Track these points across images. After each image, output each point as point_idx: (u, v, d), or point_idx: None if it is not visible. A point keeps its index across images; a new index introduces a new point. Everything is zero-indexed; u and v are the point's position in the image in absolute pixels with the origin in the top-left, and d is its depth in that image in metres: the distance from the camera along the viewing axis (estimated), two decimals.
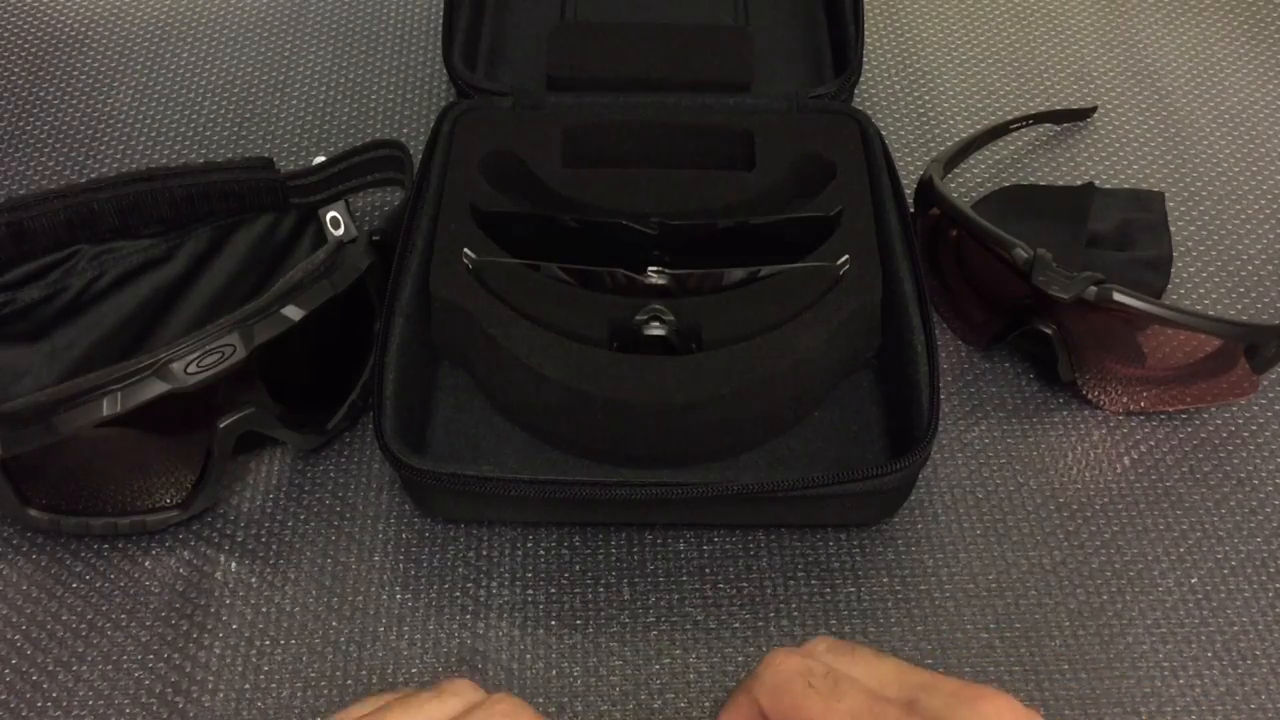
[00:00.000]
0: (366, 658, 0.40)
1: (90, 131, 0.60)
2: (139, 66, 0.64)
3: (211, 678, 0.40)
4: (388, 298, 0.44)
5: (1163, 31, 0.67)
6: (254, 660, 0.40)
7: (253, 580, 0.42)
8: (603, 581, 0.42)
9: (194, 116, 0.61)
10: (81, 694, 0.39)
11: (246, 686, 0.40)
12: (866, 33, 0.59)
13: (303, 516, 0.44)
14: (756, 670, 0.33)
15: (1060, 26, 0.67)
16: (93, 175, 0.58)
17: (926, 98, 0.62)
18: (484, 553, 0.43)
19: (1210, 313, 0.50)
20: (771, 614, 0.41)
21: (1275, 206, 0.57)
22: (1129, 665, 0.40)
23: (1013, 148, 0.59)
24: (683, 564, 0.43)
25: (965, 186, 0.57)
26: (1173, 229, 0.55)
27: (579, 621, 0.41)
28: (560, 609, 0.42)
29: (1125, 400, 0.47)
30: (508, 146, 0.50)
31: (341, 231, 0.51)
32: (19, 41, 0.65)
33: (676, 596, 0.42)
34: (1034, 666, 0.40)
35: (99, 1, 0.68)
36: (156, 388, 0.37)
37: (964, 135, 0.58)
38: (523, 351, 0.42)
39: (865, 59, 0.59)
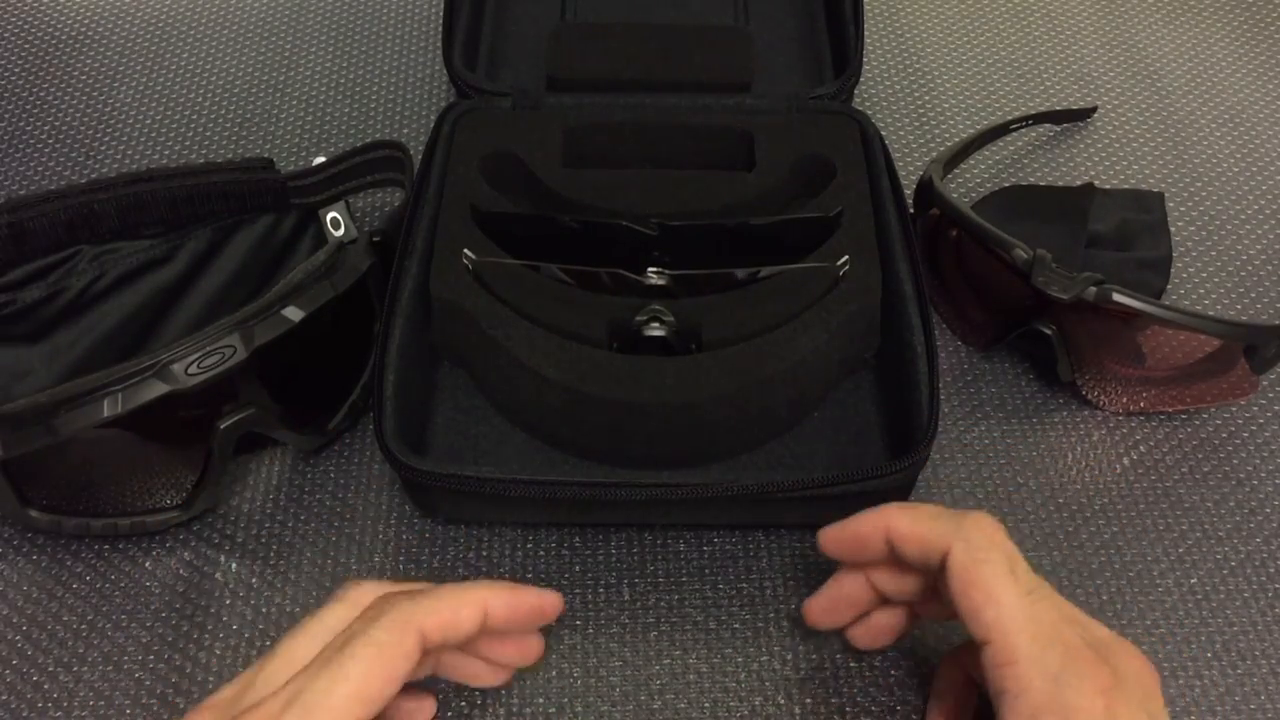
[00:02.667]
0: None
1: (90, 132, 0.60)
2: (139, 67, 0.64)
3: (212, 678, 0.40)
4: (388, 298, 0.44)
5: (1163, 31, 0.67)
6: (254, 660, 0.40)
7: (253, 581, 0.42)
8: (603, 582, 0.42)
9: (194, 117, 0.61)
10: (82, 694, 0.39)
11: None
12: (866, 33, 0.59)
13: (303, 517, 0.44)
14: (965, 521, 0.33)
15: (1060, 26, 0.67)
16: (93, 176, 0.58)
17: (926, 98, 0.62)
18: (484, 554, 0.43)
19: (1210, 313, 0.50)
20: (771, 614, 0.41)
21: (1275, 206, 0.57)
22: None
23: (1013, 148, 0.59)
24: (683, 565, 0.43)
25: (965, 187, 0.57)
26: (1172, 229, 0.55)
27: (579, 622, 0.41)
28: None
29: (1125, 400, 0.47)
30: (508, 147, 0.50)
31: (342, 232, 0.51)
32: (19, 42, 0.65)
33: (676, 597, 0.42)
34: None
35: (99, 2, 0.68)
36: (157, 389, 0.37)
37: (964, 135, 0.58)
38: (523, 352, 0.42)
39: (865, 59, 0.59)
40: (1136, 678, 0.31)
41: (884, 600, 0.37)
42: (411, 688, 0.37)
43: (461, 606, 0.32)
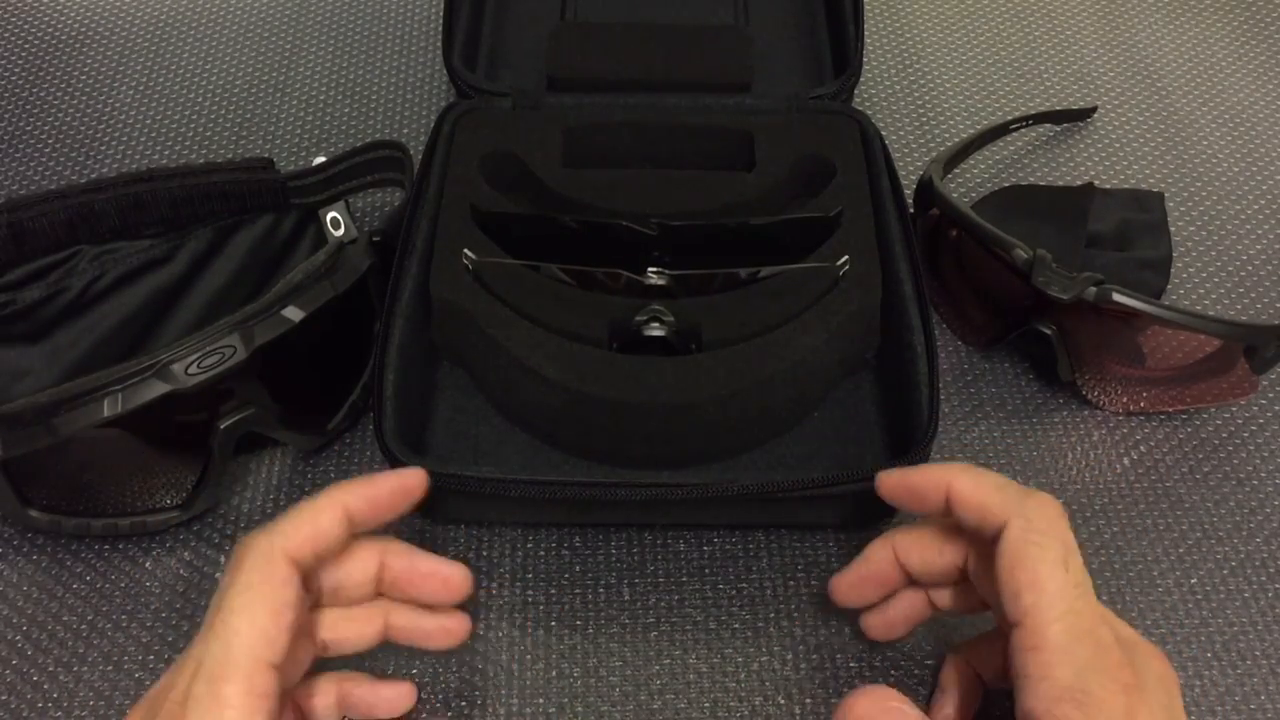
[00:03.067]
0: (366, 658, 0.40)
1: (91, 132, 0.60)
2: (140, 67, 0.64)
3: None
4: (388, 298, 0.44)
5: (1163, 31, 0.67)
6: None
7: None
8: (603, 582, 0.42)
9: (194, 117, 0.61)
10: (82, 694, 0.39)
11: None
12: (866, 33, 0.59)
13: None
14: (1030, 499, 0.32)
15: (1060, 26, 0.67)
16: (93, 175, 0.58)
17: (926, 98, 0.62)
18: (484, 553, 0.43)
19: (1210, 313, 0.50)
20: (771, 614, 0.41)
21: (1275, 206, 0.57)
22: None
23: (1013, 148, 0.59)
24: (683, 565, 0.43)
25: (965, 186, 0.57)
26: (1172, 229, 0.55)
27: (579, 622, 0.41)
28: (560, 610, 0.42)
29: (1125, 400, 0.47)
30: (508, 147, 0.50)
31: (342, 232, 0.51)
32: (19, 42, 0.65)
33: (676, 597, 0.42)
34: None
35: (100, 2, 0.68)
36: (157, 388, 0.37)
37: (964, 135, 0.58)
38: (523, 352, 0.42)
39: (865, 59, 0.59)
40: (1159, 680, 0.31)
41: (908, 584, 0.37)
42: (387, 676, 0.38)
43: (317, 514, 0.32)
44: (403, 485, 0.35)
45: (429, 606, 0.36)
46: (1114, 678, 0.29)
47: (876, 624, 0.39)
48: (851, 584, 0.38)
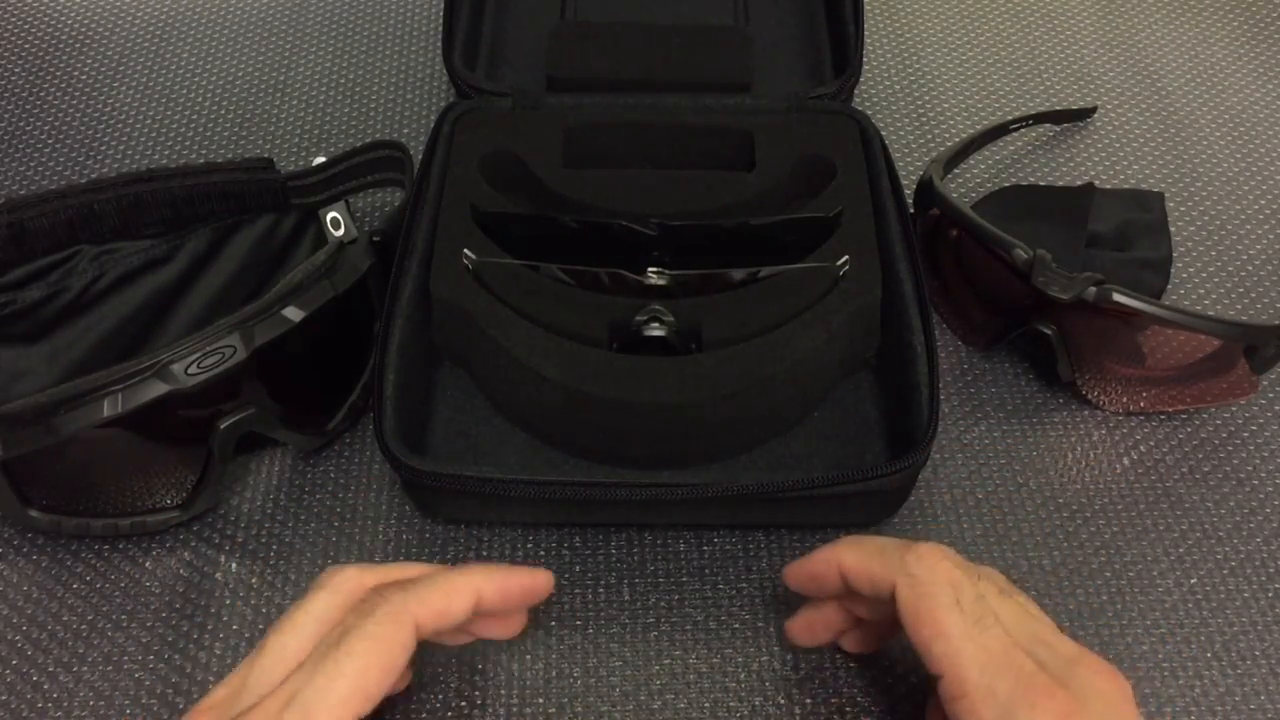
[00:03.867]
0: None
1: (91, 132, 0.60)
2: (140, 67, 0.64)
3: (212, 678, 0.40)
4: (388, 298, 0.44)
5: (1163, 31, 0.67)
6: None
7: (253, 581, 0.42)
8: (603, 582, 0.42)
9: (194, 117, 0.61)
10: (82, 695, 0.39)
11: None
12: (866, 33, 0.59)
13: (303, 517, 0.44)
14: (908, 555, 0.33)
15: (1060, 26, 0.67)
16: (93, 175, 0.58)
17: (926, 98, 0.62)
18: (484, 554, 0.43)
19: (1210, 313, 0.50)
20: (771, 614, 0.41)
21: (1275, 206, 0.57)
22: (1129, 665, 0.40)
23: (1013, 148, 0.59)
24: (683, 565, 0.43)
25: (965, 186, 0.57)
26: (1173, 229, 0.55)
27: (579, 622, 0.41)
28: (560, 610, 0.42)
29: (1125, 400, 0.47)
30: (508, 147, 0.50)
31: (342, 232, 0.51)
32: (20, 42, 0.65)
33: (676, 597, 0.42)
34: None
35: (100, 2, 0.68)
36: (157, 389, 0.37)
37: (964, 135, 0.58)
38: (523, 352, 0.42)
39: (865, 59, 0.59)
40: (1101, 697, 0.30)
41: (847, 593, 0.37)
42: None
43: (455, 594, 0.32)
44: (534, 584, 0.35)
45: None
46: (1044, 708, 0.29)
47: (850, 642, 0.39)
48: (803, 628, 0.39)
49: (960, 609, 0.31)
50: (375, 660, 0.30)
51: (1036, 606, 0.34)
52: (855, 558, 0.34)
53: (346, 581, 0.32)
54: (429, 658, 0.40)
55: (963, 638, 0.30)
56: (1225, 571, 0.43)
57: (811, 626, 0.38)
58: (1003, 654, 0.30)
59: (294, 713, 0.28)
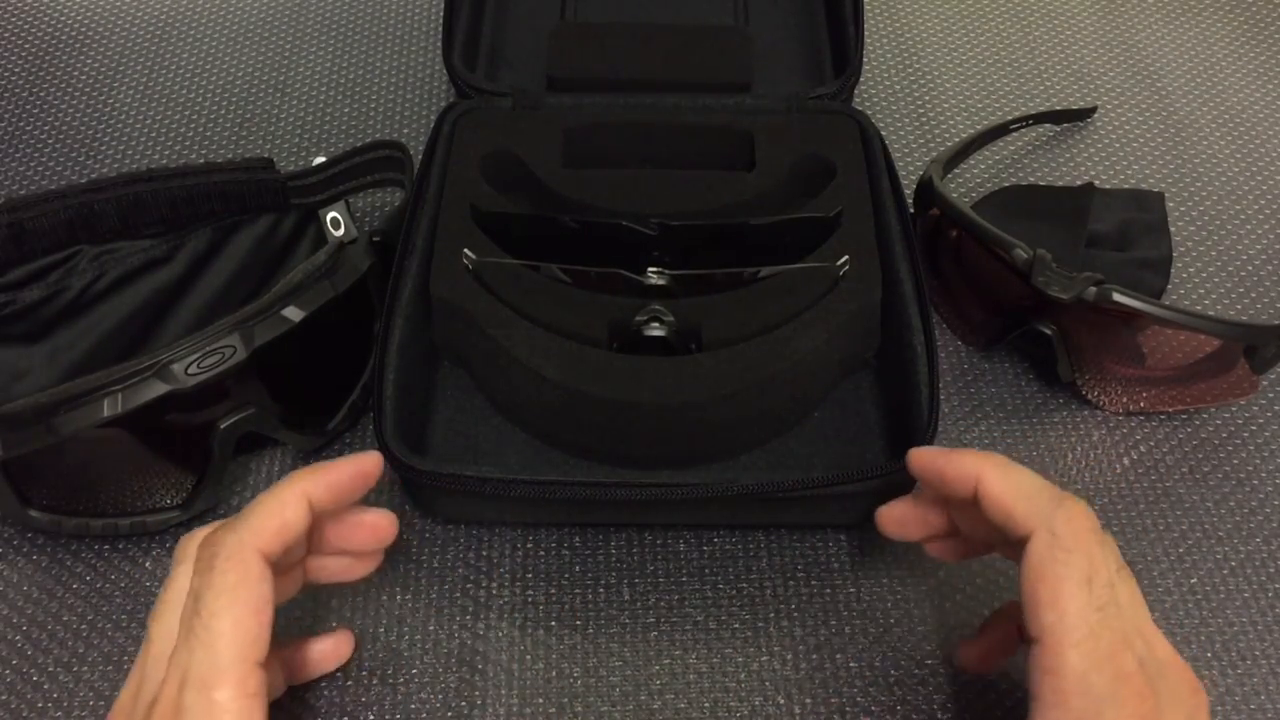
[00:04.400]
0: (366, 658, 0.40)
1: (91, 132, 0.60)
2: (140, 67, 0.64)
3: None
4: (388, 298, 0.44)
5: (1163, 31, 0.67)
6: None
7: None
8: (603, 582, 0.42)
9: (194, 117, 0.61)
10: (82, 695, 0.39)
11: None
12: (866, 33, 0.59)
13: None
14: (1059, 511, 0.31)
15: (1060, 26, 0.67)
16: (93, 175, 0.58)
17: (926, 98, 0.62)
18: (484, 553, 0.43)
19: (1210, 313, 0.50)
20: (771, 614, 0.41)
21: (1275, 206, 0.57)
22: None
23: (1013, 148, 0.59)
24: (683, 565, 0.43)
25: (965, 186, 0.57)
26: (1173, 229, 0.55)
27: (579, 622, 0.41)
28: (560, 610, 0.42)
29: (1125, 400, 0.47)
30: (508, 147, 0.50)
31: (342, 232, 0.51)
32: (20, 42, 0.65)
33: (676, 597, 0.42)
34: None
35: (100, 2, 0.68)
36: (157, 389, 0.37)
37: (964, 135, 0.58)
38: (523, 352, 0.42)
39: (865, 59, 0.59)
40: (1181, 705, 0.30)
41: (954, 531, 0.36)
42: (322, 631, 0.38)
43: (284, 509, 0.32)
44: (361, 470, 0.34)
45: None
46: (1131, 710, 0.29)
47: (936, 549, 0.38)
48: (897, 519, 0.37)
49: (1089, 588, 0.30)
50: (240, 607, 0.29)
51: (1137, 585, 0.32)
52: (1003, 486, 0.32)
53: (191, 544, 0.32)
54: (428, 656, 0.40)
55: (1079, 617, 0.29)
56: (1225, 571, 0.43)
57: (904, 519, 0.37)
58: (1111, 648, 0.29)
59: (191, 691, 0.28)
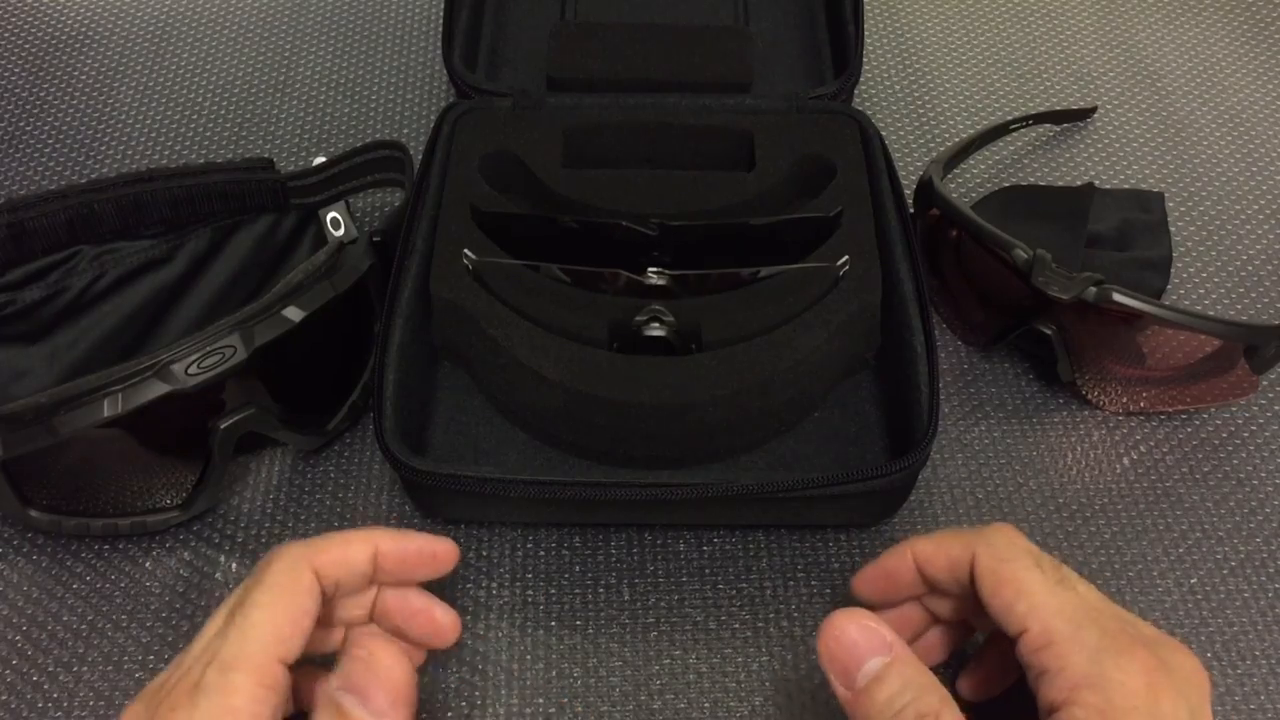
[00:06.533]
0: None
1: (91, 132, 0.60)
2: (140, 67, 0.64)
3: None
4: (388, 298, 0.44)
5: (1163, 31, 0.67)
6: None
7: None
8: (603, 582, 0.42)
9: (194, 117, 0.61)
10: (82, 695, 0.39)
11: None
12: (866, 33, 0.59)
13: (303, 517, 0.44)
14: (983, 530, 0.34)
15: (1060, 26, 0.67)
16: (93, 176, 0.58)
17: (926, 98, 0.62)
18: (484, 553, 0.43)
19: (1210, 313, 0.50)
20: (771, 614, 0.41)
21: (1275, 206, 0.57)
22: None
23: (1013, 148, 0.59)
24: (683, 565, 0.43)
25: (965, 186, 0.57)
26: (1173, 229, 0.55)
27: (579, 622, 0.41)
28: (560, 610, 0.42)
29: (1125, 400, 0.47)
30: (508, 147, 0.50)
31: (342, 232, 0.51)
32: (20, 42, 0.65)
33: (676, 597, 0.42)
34: None
35: (100, 2, 0.68)
36: (157, 389, 0.37)
37: (964, 135, 0.58)
38: (523, 352, 0.42)
39: (865, 59, 0.59)
40: (1185, 671, 0.30)
41: (935, 620, 0.37)
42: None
43: (349, 544, 0.33)
44: (433, 550, 0.35)
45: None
46: (1131, 658, 0.30)
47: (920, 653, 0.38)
48: (867, 579, 0.37)
49: (1041, 570, 0.32)
50: (280, 606, 0.30)
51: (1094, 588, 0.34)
52: (929, 544, 0.35)
53: (271, 552, 0.33)
54: (428, 656, 0.40)
55: (1046, 593, 0.31)
56: (1225, 571, 0.43)
57: (879, 580, 0.37)
58: (1088, 609, 0.31)
59: (214, 670, 0.29)
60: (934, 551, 0.35)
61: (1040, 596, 0.31)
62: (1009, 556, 0.32)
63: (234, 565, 0.43)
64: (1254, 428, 0.48)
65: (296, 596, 0.31)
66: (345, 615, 0.35)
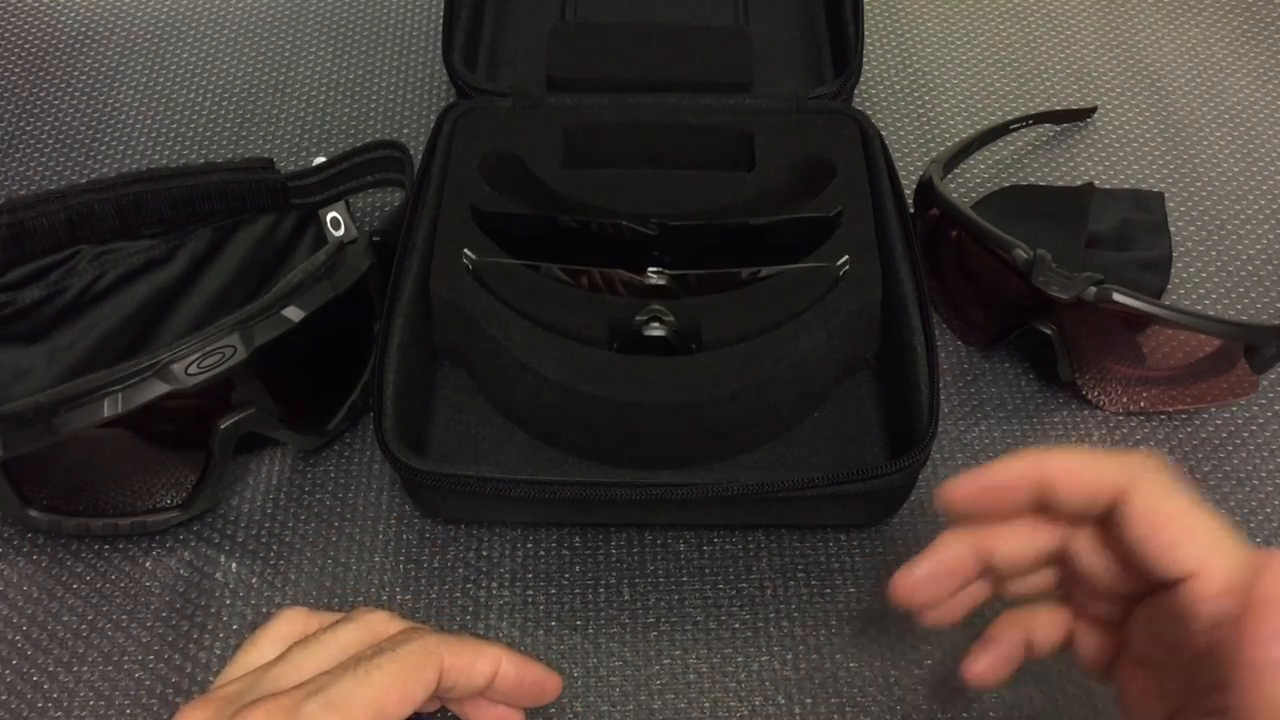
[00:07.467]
0: None
1: (91, 132, 0.60)
2: (140, 67, 0.64)
3: (211, 678, 0.40)
4: (388, 298, 0.44)
5: (1163, 31, 0.67)
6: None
7: (253, 580, 0.42)
8: (603, 582, 0.42)
9: (194, 117, 0.61)
10: (82, 694, 0.39)
11: None
12: (866, 33, 0.59)
13: (303, 517, 0.44)
14: (1137, 460, 0.30)
15: (1060, 26, 0.67)
16: (93, 176, 0.58)
17: (926, 98, 0.62)
18: (484, 553, 0.43)
19: (1210, 313, 0.50)
20: (771, 614, 0.41)
21: (1275, 206, 0.57)
22: None
23: (1013, 148, 0.59)
24: (683, 565, 0.43)
25: (965, 186, 0.57)
26: (1173, 229, 0.55)
27: (579, 622, 0.41)
28: (560, 610, 0.42)
29: (1125, 400, 0.47)
30: (507, 147, 0.50)
31: (342, 232, 0.51)
32: (20, 42, 0.65)
33: (676, 597, 0.42)
34: (1035, 666, 0.40)
35: (100, 2, 0.68)
36: (157, 388, 0.37)
37: (964, 135, 0.58)
38: (523, 352, 0.42)
39: (865, 59, 0.59)
40: None
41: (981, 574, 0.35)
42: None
43: (479, 656, 0.33)
44: (545, 682, 0.35)
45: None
46: None
47: (939, 613, 0.35)
48: (921, 581, 0.34)
49: (1207, 512, 0.29)
50: (400, 682, 0.30)
51: None
52: (1072, 462, 0.31)
53: (376, 620, 0.33)
54: None
55: (1224, 532, 0.29)
56: None
57: (933, 580, 0.34)
58: (1265, 555, 0.28)
59: (318, 701, 0.29)
60: (1078, 470, 0.31)
61: (1221, 534, 0.28)
62: (1172, 491, 0.29)
63: (234, 565, 0.43)
64: (1254, 428, 0.48)
65: (415, 682, 0.31)
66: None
